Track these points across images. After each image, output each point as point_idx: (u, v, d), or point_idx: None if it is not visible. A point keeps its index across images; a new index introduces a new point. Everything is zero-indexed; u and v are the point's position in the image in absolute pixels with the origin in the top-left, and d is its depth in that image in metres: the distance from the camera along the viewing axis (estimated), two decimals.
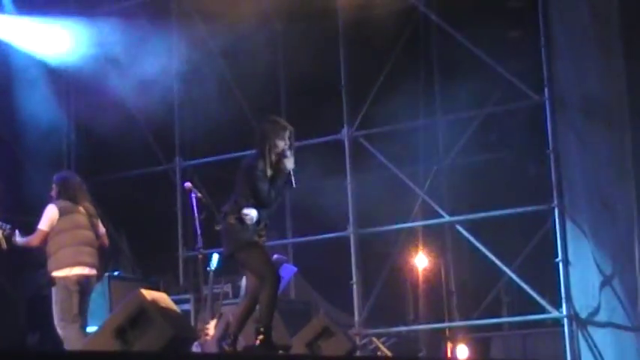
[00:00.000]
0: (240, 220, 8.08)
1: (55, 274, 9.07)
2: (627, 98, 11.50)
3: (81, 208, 9.33)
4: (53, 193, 9.37)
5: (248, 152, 9.28)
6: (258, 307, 8.17)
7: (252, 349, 8.12)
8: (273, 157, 8.23)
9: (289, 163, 8.23)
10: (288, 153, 8.24)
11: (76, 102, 13.89)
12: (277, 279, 8.17)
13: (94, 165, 13.58)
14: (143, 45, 12.82)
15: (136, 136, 13.20)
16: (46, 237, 9.15)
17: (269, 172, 8.20)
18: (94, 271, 9.21)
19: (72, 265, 9.07)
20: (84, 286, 9.12)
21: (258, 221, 8.13)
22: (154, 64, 12.82)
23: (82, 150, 13.89)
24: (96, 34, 13.12)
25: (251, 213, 8.07)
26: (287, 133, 8.29)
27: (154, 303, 7.69)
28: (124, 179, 13.69)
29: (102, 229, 9.55)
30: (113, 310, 9.63)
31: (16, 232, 9.22)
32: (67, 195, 9.32)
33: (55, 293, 9.07)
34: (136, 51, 12.79)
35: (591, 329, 11.37)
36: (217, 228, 8.39)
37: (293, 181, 8.27)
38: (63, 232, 9.13)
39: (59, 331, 9.01)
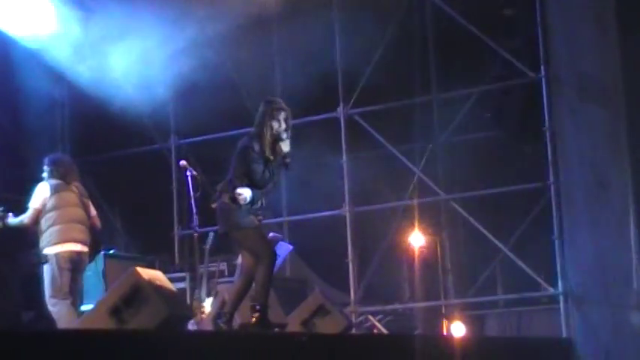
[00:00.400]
0: (234, 199, 8.07)
1: (47, 251, 9.10)
2: (622, 76, 11.48)
3: (73, 187, 9.37)
4: (45, 173, 9.40)
5: (243, 131, 9.27)
6: (254, 285, 8.17)
7: (248, 327, 8.13)
8: (269, 139, 8.20)
9: (285, 146, 8.19)
10: (284, 135, 8.18)
11: (69, 83, 13.82)
12: (273, 257, 8.17)
13: (89, 144, 13.57)
14: (137, 24, 12.77)
15: (131, 115, 13.17)
16: (39, 215, 9.17)
17: (264, 153, 8.17)
18: (85, 248, 9.24)
19: (63, 241, 9.10)
20: (76, 263, 9.15)
21: (252, 201, 8.11)
22: (150, 44, 12.78)
23: (78, 129, 13.86)
24: (89, 13, 13.07)
25: (244, 193, 8.05)
26: (283, 115, 8.24)
27: (150, 281, 7.69)
28: (119, 158, 13.68)
29: (93, 211, 9.58)
30: (108, 288, 9.63)
31: (9, 214, 9.24)
32: (58, 174, 9.37)
33: (47, 270, 9.11)
34: (131, 30, 12.74)
35: (586, 307, 11.40)
36: (213, 206, 8.38)
37: (288, 163, 8.25)
38: (54, 210, 9.16)
39: (50, 308, 9.04)
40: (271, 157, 8.18)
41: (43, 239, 9.14)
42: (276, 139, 8.19)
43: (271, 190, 8.37)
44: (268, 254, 8.11)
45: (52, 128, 13.86)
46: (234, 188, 8.07)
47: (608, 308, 11.33)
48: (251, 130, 8.35)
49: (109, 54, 13.13)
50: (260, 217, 8.25)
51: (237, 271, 9.32)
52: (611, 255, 11.34)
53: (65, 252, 9.09)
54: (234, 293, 8.26)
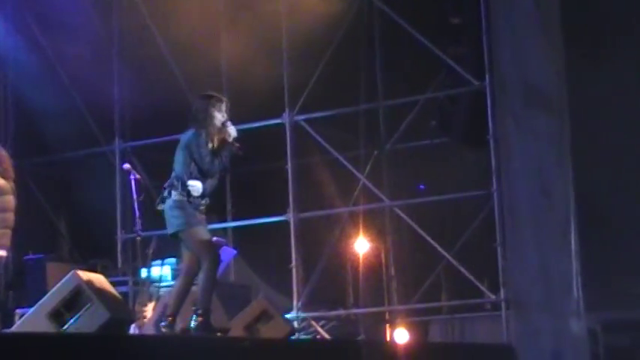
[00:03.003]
0: (186, 194, 8.06)
1: None
2: (567, 85, 11.61)
3: (13, 186, 9.06)
4: None
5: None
6: (197, 289, 8.16)
7: (190, 331, 8.08)
8: (214, 130, 8.20)
9: (232, 131, 8.29)
10: (229, 122, 8.26)
11: (13, 81, 13.67)
12: (217, 261, 8.19)
13: (31, 146, 13.40)
14: (81, 23, 12.68)
15: (75, 117, 13.05)
16: None
17: (210, 145, 8.20)
18: (5, 253, 8.94)
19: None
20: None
21: (202, 195, 8.14)
22: (93, 44, 12.69)
23: (19, 130, 13.68)
24: (30, 12, 12.96)
25: (196, 184, 8.11)
26: (223, 106, 8.36)
27: (91, 284, 7.63)
28: (62, 160, 13.53)
29: None
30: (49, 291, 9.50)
31: None
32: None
33: None
34: (74, 30, 12.63)
35: (528, 314, 11.48)
36: (159, 208, 8.35)
37: (240, 147, 8.29)
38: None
39: None
40: (219, 147, 8.24)
41: None
42: (222, 128, 8.22)
43: (215, 185, 8.33)
44: (212, 258, 8.12)
45: None
46: (184, 183, 8.08)
47: (549, 315, 11.42)
48: (191, 126, 8.33)
49: (52, 53, 13.04)
50: (204, 216, 8.25)
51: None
52: (553, 262, 11.44)
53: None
54: (175, 294, 8.25)
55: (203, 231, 8.22)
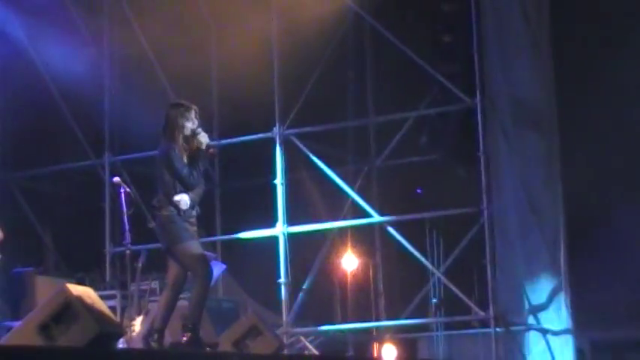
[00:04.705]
0: (174, 208, 8.01)
1: None
2: (556, 102, 11.66)
3: None
4: None
5: None
6: (187, 303, 8.12)
7: (179, 345, 8.04)
8: (183, 140, 8.18)
9: (204, 138, 8.22)
10: (199, 130, 8.21)
11: (2, 94, 13.63)
12: (209, 277, 8.15)
13: (19, 158, 13.37)
14: (71, 38, 12.68)
15: (64, 132, 13.03)
16: None
17: (184, 155, 8.15)
18: None
19: None
20: None
21: (192, 206, 8.09)
22: (84, 61, 12.68)
23: (8, 143, 13.64)
24: (22, 25, 12.94)
25: (183, 198, 8.06)
26: (192, 113, 8.26)
27: (80, 298, 7.56)
28: (51, 174, 13.50)
29: None
30: (37, 305, 9.46)
31: None
32: None
33: None
34: (64, 45, 12.63)
35: (517, 331, 11.49)
36: (150, 225, 8.32)
37: (214, 153, 8.31)
38: None
39: None
40: (193, 156, 8.16)
41: None
42: (193, 136, 8.18)
43: (201, 193, 8.32)
44: (205, 274, 8.06)
45: None
46: (170, 198, 8.03)
47: (537, 332, 11.44)
48: (163, 136, 8.28)
49: (43, 68, 13.03)
50: (195, 228, 8.21)
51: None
52: (541, 280, 11.45)
53: None
54: (162, 307, 8.16)
55: (196, 245, 8.17)
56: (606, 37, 11.99)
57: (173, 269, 8.24)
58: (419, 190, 13.22)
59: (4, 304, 11.16)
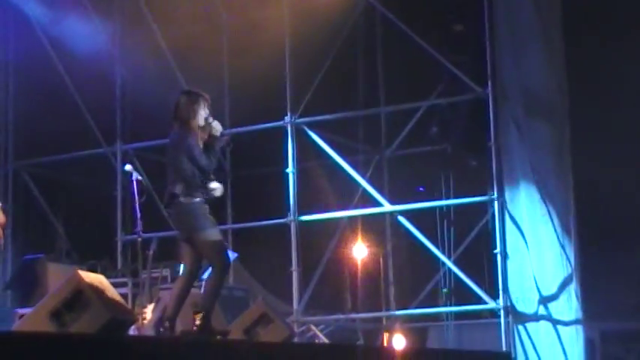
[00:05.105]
0: (200, 195, 7.98)
1: None
2: (567, 91, 11.63)
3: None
4: None
5: None
6: (201, 291, 8.13)
7: (190, 333, 8.07)
8: (199, 127, 8.16)
9: (218, 126, 8.21)
10: (211, 118, 8.20)
11: (15, 84, 13.68)
12: (227, 268, 8.18)
13: (31, 146, 13.42)
14: (83, 27, 12.70)
15: (76, 119, 13.06)
16: None
17: (200, 143, 8.15)
18: None
19: None
20: None
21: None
22: (96, 48, 12.70)
23: (20, 130, 13.70)
24: (32, 13, 12.97)
25: (216, 185, 8.08)
26: (205, 102, 8.25)
27: (92, 285, 7.60)
28: (62, 161, 13.54)
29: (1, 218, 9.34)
30: (49, 292, 9.51)
31: None
32: None
33: None
34: (77, 33, 12.65)
35: (526, 321, 11.49)
36: (168, 211, 8.31)
37: (229, 140, 8.30)
38: None
39: None
40: (208, 143, 8.17)
41: None
42: (206, 124, 8.17)
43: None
44: (223, 263, 8.06)
45: None
46: (199, 186, 7.99)
47: (547, 323, 11.43)
48: (175, 124, 8.26)
49: (54, 56, 13.05)
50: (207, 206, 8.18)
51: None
52: (552, 271, 11.44)
53: None
54: (175, 295, 8.15)
55: (217, 233, 8.13)
56: (618, 26, 11.94)
57: (188, 258, 8.21)
58: (421, 188, 13.22)
59: (14, 292, 11.21)
